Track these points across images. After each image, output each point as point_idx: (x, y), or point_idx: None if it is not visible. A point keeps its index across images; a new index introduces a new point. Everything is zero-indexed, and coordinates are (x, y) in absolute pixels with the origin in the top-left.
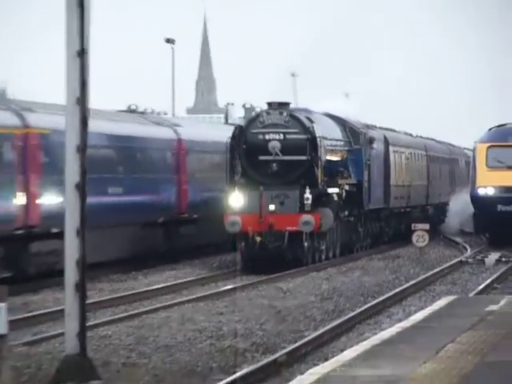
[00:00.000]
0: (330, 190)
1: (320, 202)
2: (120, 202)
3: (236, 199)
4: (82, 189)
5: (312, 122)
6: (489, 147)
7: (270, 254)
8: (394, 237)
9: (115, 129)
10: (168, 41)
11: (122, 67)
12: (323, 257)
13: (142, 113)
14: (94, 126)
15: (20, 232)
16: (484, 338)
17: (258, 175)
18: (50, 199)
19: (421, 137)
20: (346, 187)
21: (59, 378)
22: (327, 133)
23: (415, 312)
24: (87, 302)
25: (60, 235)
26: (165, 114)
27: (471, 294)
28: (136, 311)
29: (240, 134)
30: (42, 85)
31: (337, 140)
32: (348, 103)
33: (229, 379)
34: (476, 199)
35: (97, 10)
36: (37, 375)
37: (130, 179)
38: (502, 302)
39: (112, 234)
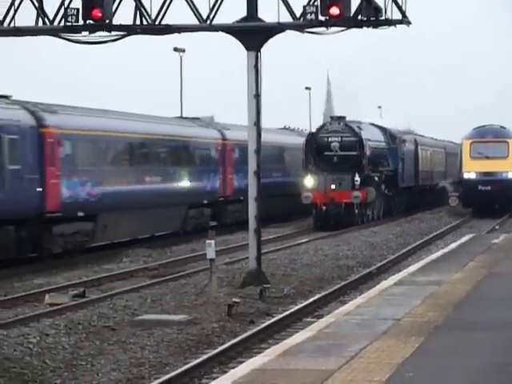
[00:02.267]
0: (373, 175)
1: (366, 182)
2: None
3: (308, 181)
4: (258, 174)
5: (361, 129)
6: (472, 142)
7: (332, 218)
8: (430, 204)
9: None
10: (176, 49)
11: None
12: (370, 219)
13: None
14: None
15: (221, 199)
16: (490, 258)
17: (324, 165)
18: (238, 180)
19: (442, 140)
20: (385, 173)
21: (245, 283)
22: (371, 136)
23: (450, 243)
24: (262, 239)
25: (242, 202)
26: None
27: (483, 233)
28: (288, 244)
29: (312, 137)
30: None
31: (379, 141)
32: (392, 117)
33: (343, 283)
34: (463, 181)
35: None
36: (232, 282)
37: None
38: (501, 238)
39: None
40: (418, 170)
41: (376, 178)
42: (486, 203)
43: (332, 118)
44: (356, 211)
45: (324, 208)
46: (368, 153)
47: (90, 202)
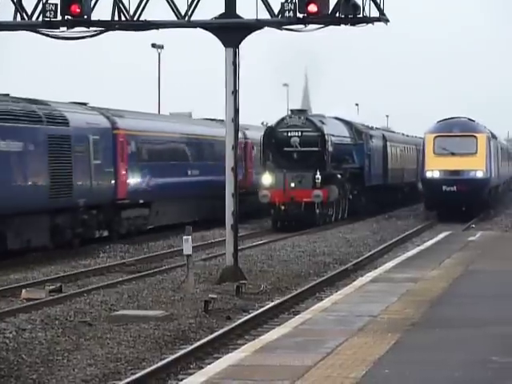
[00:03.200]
0: (336, 172)
1: (328, 180)
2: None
3: (266, 179)
4: (235, 170)
5: (323, 123)
6: (436, 137)
7: (291, 218)
8: (407, 201)
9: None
10: (154, 46)
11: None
12: (333, 219)
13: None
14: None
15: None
16: (467, 255)
17: (283, 161)
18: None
19: (414, 136)
20: (350, 170)
21: (222, 279)
22: (335, 131)
23: (427, 240)
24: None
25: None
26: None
27: (460, 231)
28: (265, 240)
29: (270, 131)
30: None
31: (343, 137)
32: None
33: (319, 280)
34: (425, 181)
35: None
36: (209, 278)
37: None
38: (478, 235)
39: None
40: (387, 167)
41: (339, 176)
42: (451, 206)
43: (292, 111)
44: (317, 211)
45: (283, 208)
46: (331, 149)
47: (148, 192)
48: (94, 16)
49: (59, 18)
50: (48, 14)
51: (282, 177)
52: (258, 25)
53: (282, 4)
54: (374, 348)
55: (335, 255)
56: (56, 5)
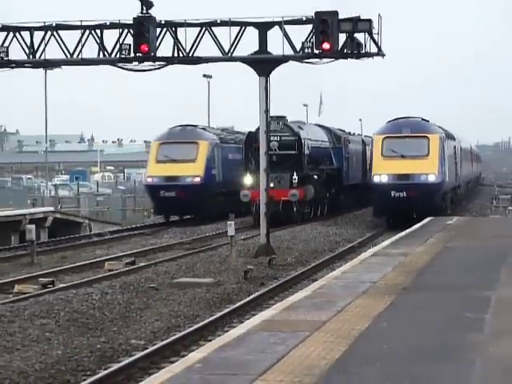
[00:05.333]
0: (312, 173)
1: (304, 181)
2: None
3: (247, 179)
4: (267, 172)
5: (301, 128)
6: (384, 138)
7: (270, 216)
8: None
9: None
10: (205, 76)
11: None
12: (311, 216)
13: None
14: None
15: None
16: (446, 235)
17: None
18: None
19: None
20: (328, 171)
21: (257, 254)
22: (312, 136)
23: (413, 225)
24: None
25: None
26: None
27: (439, 216)
28: (291, 226)
29: (252, 136)
30: None
31: (322, 141)
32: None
33: (332, 254)
34: (372, 186)
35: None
36: (248, 253)
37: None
38: (454, 220)
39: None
40: (365, 168)
41: (315, 177)
42: (400, 213)
43: (272, 117)
44: (295, 209)
45: None
46: (307, 152)
47: None
48: (159, 53)
49: (132, 54)
50: (123, 52)
51: None
52: (284, 59)
53: (303, 43)
54: (374, 307)
55: (344, 236)
56: (130, 44)
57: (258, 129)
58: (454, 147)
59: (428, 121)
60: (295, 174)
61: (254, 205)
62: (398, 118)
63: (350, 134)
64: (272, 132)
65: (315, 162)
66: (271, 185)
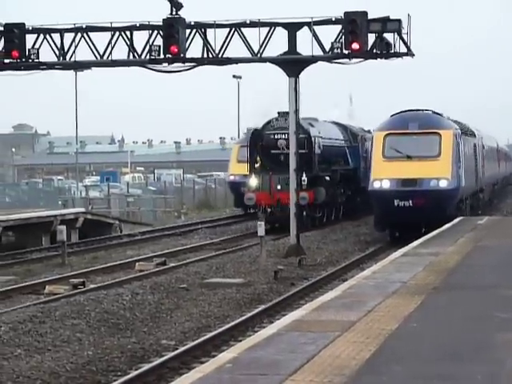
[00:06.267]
0: (324, 174)
1: (315, 182)
2: None
3: (252, 181)
4: (297, 172)
5: (312, 125)
6: (386, 135)
7: (277, 221)
8: None
9: None
10: (234, 76)
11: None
12: (324, 220)
13: None
14: None
15: None
16: (476, 235)
17: (270, 164)
18: None
19: None
20: (342, 172)
21: (287, 254)
22: (324, 134)
23: (444, 225)
24: None
25: None
26: None
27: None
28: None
29: (257, 134)
30: None
31: (335, 139)
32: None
33: (363, 254)
34: (371, 193)
35: None
36: (278, 253)
37: None
38: (485, 219)
39: None
40: None
41: (327, 178)
42: (406, 225)
43: (279, 113)
44: (304, 213)
45: (269, 210)
46: (318, 151)
47: None
48: (188, 54)
49: (162, 56)
50: (153, 53)
51: (268, 179)
52: (313, 59)
53: (332, 43)
54: (404, 307)
55: (374, 236)
56: (159, 46)
57: (264, 125)
58: (475, 145)
59: (441, 114)
60: (304, 175)
61: (260, 209)
62: (403, 111)
63: (369, 131)
64: (279, 129)
65: (328, 161)
66: (278, 187)
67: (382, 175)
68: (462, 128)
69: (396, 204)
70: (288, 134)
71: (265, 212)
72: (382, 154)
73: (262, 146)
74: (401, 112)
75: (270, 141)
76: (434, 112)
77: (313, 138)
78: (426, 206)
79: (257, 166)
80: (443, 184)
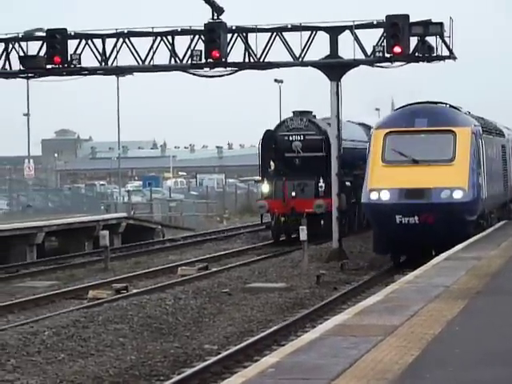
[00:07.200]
0: (344, 179)
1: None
2: None
3: (265, 187)
4: (339, 175)
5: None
6: (387, 134)
7: (292, 231)
8: None
9: None
10: (276, 80)
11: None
12: (345, 230)
13: None
14: None
15: None
16: None
17: (284, 168)
18: None
19: None
20: (364, 176)
21: (330, 258)
22: (345, 135)
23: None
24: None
25: None
26: None
27: None
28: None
29: (270, 136)
30: None
31: (358, 141)
32: None
33: (405, 258)
34: (367, 208)
35: None
36: (320, 258)
37: None
38: None
39: None
40: None
41: (348, 184)
42: (411, 248)
43: (294, 113)
44: (322, 222)
45: (283, 219)
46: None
47: None
48: (230, 59)
49: (203, 60)
50: (195, 58)
51: (281, 185)
52: (355, 63)
53: (374, 46)
54: (447, 311)
55: None
56: (201, 50)
57: (277, 126)
58: (503, 147)
59: (458, 108)
60: (322, 180)
61: (273, 218)
62: (409, 104)
63: None
64: (294, 130)
65: (349, 165)
66: (292, 194)
67: (381, 184)
68: (485, 125)
69: (398, 221)
70: (304, 135)
71: (278, 221)
72: (382, 157)
73: (275, 148)
74: (407, 105)
75: (283, 143)
76: (450, 105)
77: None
78: (435, 223)
79: (270, 170)
80: (458, 195)
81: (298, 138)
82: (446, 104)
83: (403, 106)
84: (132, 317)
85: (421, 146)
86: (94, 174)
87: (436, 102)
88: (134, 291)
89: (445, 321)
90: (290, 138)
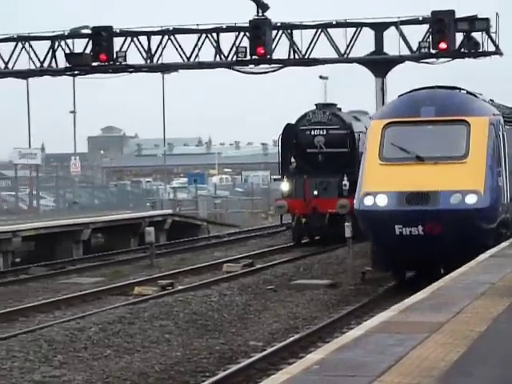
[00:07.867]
0: None
1: None
2: None
3: (284, 186)
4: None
5: (358, 119)
6: (386, 125)
7: (314, 233)
8: None
9: None
10: (321, 77)
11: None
12: None
13: None
14: None
15: None
16: None
17: (305, 165)
18: None
19: None
20: None
21: None
22: None
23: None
24: None
25: None
26: None
27: None
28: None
29: (290, 130)
30: None
31: None
32: None
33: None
34: (361, 215)
35: None
36: (365, 255)
37: None
38: None
39: None
40: None
41: None
42: (416, 263)
43: (317, 105)
44: (346, 223)
45: (304, 220)
46: (361, 149)
47: None
48: (274, 55)
49: (248, 57)
50: (240, 55)
51: (302, 183)
52: (400, 59)
53: (419, 43)
54: (492, 308)
55: None
56: (246, 47)
57: (298, 120)
58: None
59: (474, 94)
60: (346, 178)
61: (294, 219)
62: (414, 90)
63: None
64: (316, 124)
65: None
66: (314, 192)
67: (377, 187)
68: (504, 113)
69: (398, 232)
70: (327, 129)
71: (299, 222)
72: (379, 154)
73: (295, 143)
74: (411, 91)
75: (305, 138)
76: (465, 90)
77: (356, 135)
78: (444, 234)
79: (290, 167)
80: (471, 200)
81: (321, 132)
82: (460, 89)
83: (408, 92)
84: (177, 313)
85: (427, 139)
86: (140, 171)
87: (447, 87)
88: (180, 288)
89: (491, 318)
90: (312, 133)
